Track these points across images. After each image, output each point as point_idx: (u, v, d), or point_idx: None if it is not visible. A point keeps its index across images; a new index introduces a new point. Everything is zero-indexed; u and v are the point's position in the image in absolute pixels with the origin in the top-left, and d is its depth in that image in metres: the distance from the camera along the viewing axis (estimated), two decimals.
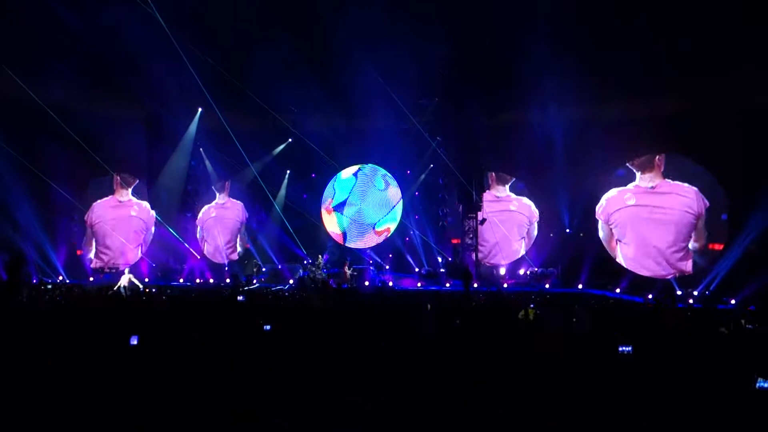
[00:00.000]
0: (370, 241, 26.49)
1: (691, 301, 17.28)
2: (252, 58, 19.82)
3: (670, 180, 21.43)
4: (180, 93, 22.31)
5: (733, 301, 16.55)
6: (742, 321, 9.95)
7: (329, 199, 27.33)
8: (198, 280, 24.51)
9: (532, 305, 11.13)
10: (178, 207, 25.91)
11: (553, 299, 16.11)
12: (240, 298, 12.37)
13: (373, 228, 26.57)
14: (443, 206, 25.07)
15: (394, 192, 26.53)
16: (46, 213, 23.29)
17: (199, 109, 24.19)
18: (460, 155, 22.75)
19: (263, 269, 24.64)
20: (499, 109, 22.67)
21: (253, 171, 24.52)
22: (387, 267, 24.88)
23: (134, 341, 5.63)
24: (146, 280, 22.74)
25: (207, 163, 26.39)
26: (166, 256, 25.42)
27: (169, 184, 24.95)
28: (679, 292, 18.89)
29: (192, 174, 26.10)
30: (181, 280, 24.19)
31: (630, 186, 22.17)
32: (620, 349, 5.70)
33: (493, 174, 24.87)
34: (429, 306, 11.28)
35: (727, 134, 18.53)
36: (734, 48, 17.30)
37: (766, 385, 4.11)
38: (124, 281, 18.93)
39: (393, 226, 26.29)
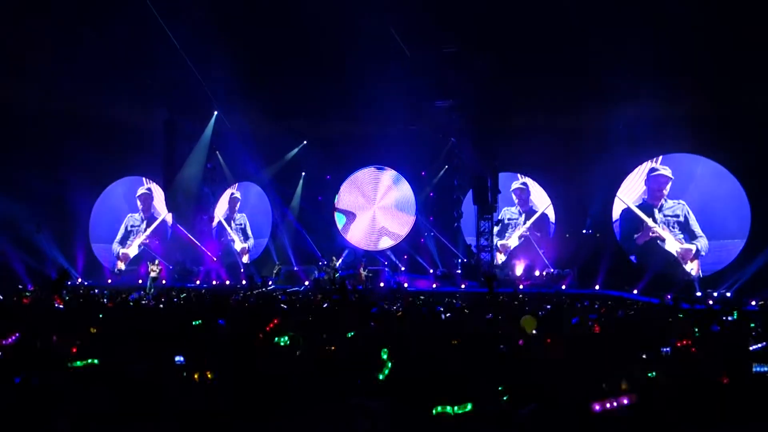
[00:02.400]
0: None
1: (711, 302, 17.00)
2: (267, 61, 19.95)
3: None
4: (197, 95, 22.43)
5: (753, 303, 16.28)
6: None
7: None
8: (214, 282, 24.65)
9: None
10: (195, 209, 26.07)
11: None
12: None
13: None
14: (458, 207, 24.95)
15: None
16: (62, 215, 23.70)
17: (215, 112, 24.33)
18: (476, 156, 22.61)
19: (282, 270, 24.52)
20: (516, 110, 22.52)
21: (268, 174, 24.66)
22: (402, 268, 24.83)
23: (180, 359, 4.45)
24: (164, 282, 22.92)
25: (223, 164, 26.55)
26: (182, 258, 25.60)
27: (186, 186, 25.09)
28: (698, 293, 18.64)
29: (208, 176, 26.27)
30: (198, 282, 24.34)
31: None
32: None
33: None
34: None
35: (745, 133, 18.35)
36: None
37: (763, 369, 4.09)
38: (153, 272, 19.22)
39: None
